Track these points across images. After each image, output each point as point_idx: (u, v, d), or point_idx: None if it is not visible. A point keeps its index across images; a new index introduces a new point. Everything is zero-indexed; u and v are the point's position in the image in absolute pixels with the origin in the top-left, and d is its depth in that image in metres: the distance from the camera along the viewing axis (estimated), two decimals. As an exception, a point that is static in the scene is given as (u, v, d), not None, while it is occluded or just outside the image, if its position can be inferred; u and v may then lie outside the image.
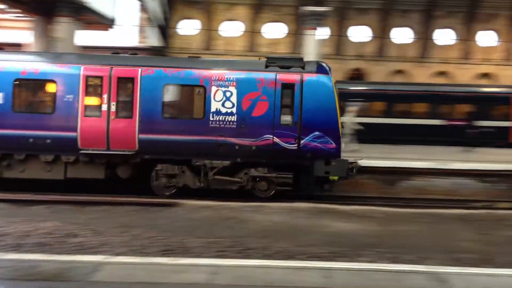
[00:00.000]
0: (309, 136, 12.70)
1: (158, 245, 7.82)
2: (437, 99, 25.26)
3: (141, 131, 12.67)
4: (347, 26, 37.80)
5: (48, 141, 12.61)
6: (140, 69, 12.81)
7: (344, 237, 8.73)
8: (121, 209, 10.72)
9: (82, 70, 12.75)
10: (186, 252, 7.51)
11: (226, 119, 12.69)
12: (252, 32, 35.98)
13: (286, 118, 12.76)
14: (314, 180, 13.03)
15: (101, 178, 13.02)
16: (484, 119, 24.23)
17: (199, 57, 14.23)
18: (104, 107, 12.69)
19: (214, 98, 12.69)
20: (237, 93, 12.71)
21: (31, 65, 12.87)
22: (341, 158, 12.86)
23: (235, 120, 12.68)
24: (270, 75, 12.86)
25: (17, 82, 12.76)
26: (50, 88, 12.85)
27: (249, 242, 8.15)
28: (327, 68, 13.09)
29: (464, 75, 34.83)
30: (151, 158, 12.89)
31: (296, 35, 34.41)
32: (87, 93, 12.74)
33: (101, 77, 12.76)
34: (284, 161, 12.88)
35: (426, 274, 6.33)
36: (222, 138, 12.67)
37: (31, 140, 12.60)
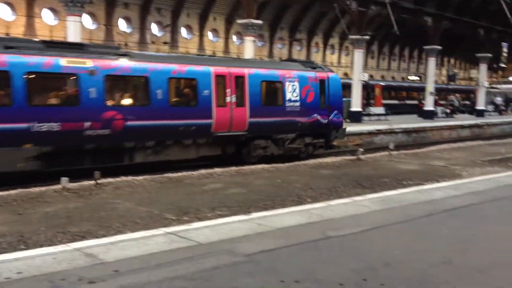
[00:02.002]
0: (332, 114, 19.48)
1: None
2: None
3: (250, 116, 17.05)
4: None
5: (193, 128, 15.79)
6: (246, 69, 17.29)
7: None
8: None
9: (212, 70, 16.27)
10: None
11: (294, 105, 18.33)
12: None
13: (323, 103, 19.18)
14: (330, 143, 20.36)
15: (218, 154, 16.86)
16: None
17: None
18: (228, 99, 16.50)
19: (287, 90, 18.16)
20: (299, 86, 18.48)
21: (179, 66, 15.84)
22: (343, 127, 20.46)
23: (298, 105, 18.43)
24: (313, 73, 19.17)
25: (170, 80, 15.52)
26: (193, 83, 16.02)
27: None
28: None
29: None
30: (251, 136, 17.28)
31: None
32: (217, 88, 16.27)
33: (224, 76, 16.51)
34: (319, 131, 19.33)
35: None
36: (292, 118, 18.36)
37: (181, 128, 15.52)
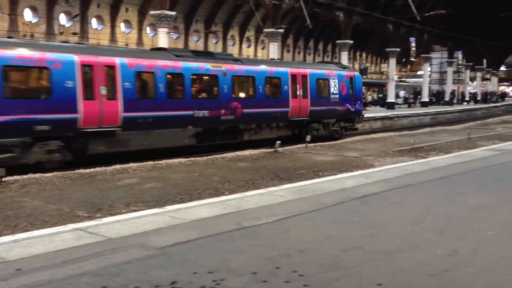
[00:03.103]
0: (357, 104, 26.00)
1: None
2: None
3: (310, 105, 23.23)
4: None
5: (278, 114, 21.81)
6: (308, 70, 23.68)
7: None
8: None
9: (289, 71, 22.48)
10: None
11: (335, 97, 24.61)
12: None
13: (351, 95, 25.62)
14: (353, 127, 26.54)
15: (288, 135, 22.66)
16: None
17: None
18: (298, 92, 22.68)
19: (331, 85, 24.44)
20: (338, 82, 24.78)
21: (271, 68, 22.09)
22: (362, 114, 27.31)
23: (337, 97, 24.71)
24: (345, 72, 25.75)
25: (266, 78, 21.49)
26: (278, 81, 21.98)
27: None
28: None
29: None
30: (310, 120, 23.44)
31: None
32: (292, 84, 22.37)
33: (295, 75, 22.71)
34: (349, 117, 25.62)
35: None
36: (334, 107, 24.63)
37: (272, 114, 21.46)
